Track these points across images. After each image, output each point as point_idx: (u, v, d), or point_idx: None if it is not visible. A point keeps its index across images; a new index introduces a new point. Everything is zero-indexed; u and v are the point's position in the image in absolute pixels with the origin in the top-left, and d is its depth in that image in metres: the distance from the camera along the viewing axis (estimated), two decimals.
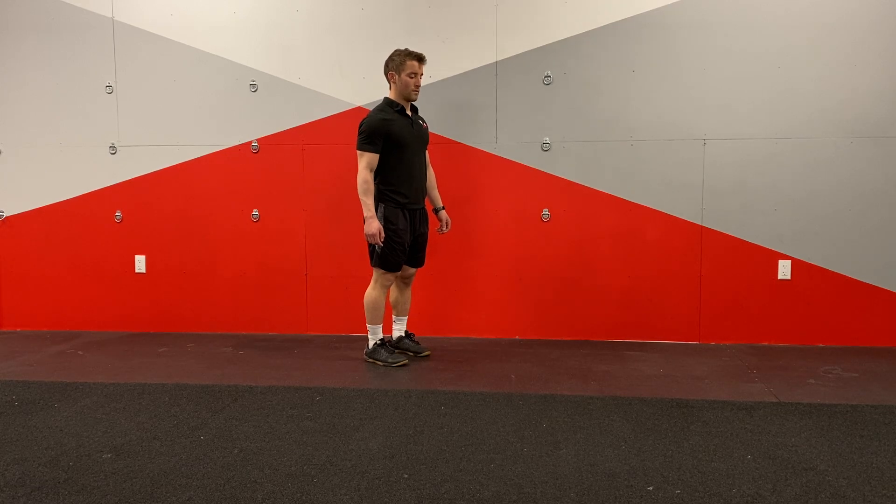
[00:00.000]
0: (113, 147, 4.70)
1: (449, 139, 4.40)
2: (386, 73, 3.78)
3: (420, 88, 3.79)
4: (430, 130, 4.40)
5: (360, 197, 3.65)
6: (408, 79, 3.70)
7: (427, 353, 3.98)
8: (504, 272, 4.43)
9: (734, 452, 2.52)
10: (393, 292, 3.97)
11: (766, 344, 4.25)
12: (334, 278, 4.57)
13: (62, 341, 4.48)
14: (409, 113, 3.78)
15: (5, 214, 4.84)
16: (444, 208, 4.03)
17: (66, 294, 4.81)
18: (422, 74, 3.77)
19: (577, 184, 4.33)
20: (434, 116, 4.34)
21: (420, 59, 3.74)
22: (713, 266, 4.27)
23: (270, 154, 4.57)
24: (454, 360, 3.91)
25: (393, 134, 3.66)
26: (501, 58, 4.33)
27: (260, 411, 3.01)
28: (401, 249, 3.74)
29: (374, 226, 3.63)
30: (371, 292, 3.82)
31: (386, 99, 3.78)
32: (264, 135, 4.56)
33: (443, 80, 4.37)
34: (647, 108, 4.25)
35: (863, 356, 3.95)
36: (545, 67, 4.31)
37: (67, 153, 4.74)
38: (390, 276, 3.81)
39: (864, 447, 2.56)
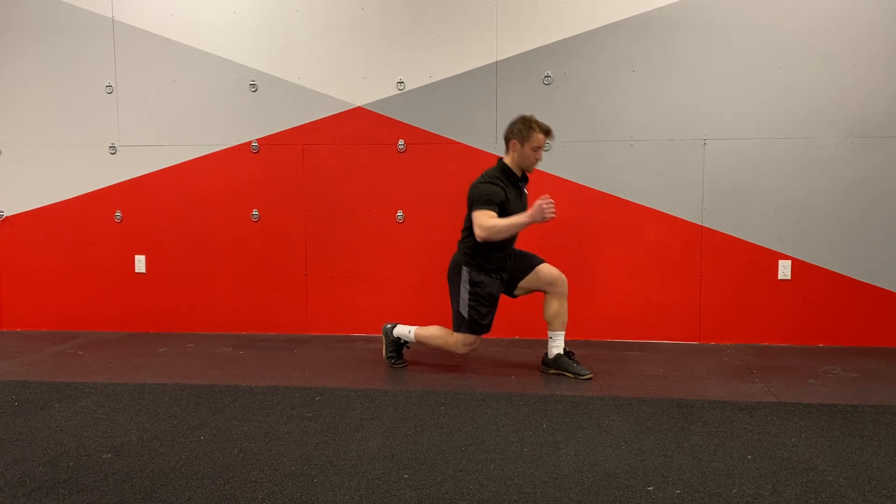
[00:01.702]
0: (113, 147, 4.70)
1: (449, 139, 4.40)
2: (507, 140, 3.51)
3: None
4: (430, 130, 4.43)
5: (503, 227, 3.33)
6: (531, 151, 3.46)
7: (589, 375, 3.54)
8: None
9: (734, 452, 2.52)
10: (551, 305, 3.59)
11: (766, 344, 4.25)
12: (334, 278, 4.57)
13: (62, 341, 4.48)
14: (520, 184, 3.56)
15: (5, 214, 4.84)
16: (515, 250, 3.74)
17: (66, 294, 4.81)
18: (544, 148, 3.52)
19: (577, 184, 4.33)
20: (434, 116, 4.35)
21: (548, 132, 3.48)
22: (713, 266, 4.27)
23: (270, 154, 4.57)
24: (454, 360, 3.91)
25: (505, 206, 3.42)
26: (501, 58, 4.33)
27: (260, 411, 3.01)
28: (488, 311, 3.54)
29: (535, 207, 3.26)
30: (446, 341, 3.61)
31: (502, 165, 3.52)
32: (264, 135, 4.56)
33: (443, 80, 4.37)
34: (647, 108, 4.25)
35: (863, 356, 3.95)
36: (545, 67, 4.31)
37: (67, 153, 4.74)
38: (467, 341, 3.58)
39: (864, 447, 2.56)
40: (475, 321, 3.53)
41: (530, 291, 3.67)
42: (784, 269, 4.21)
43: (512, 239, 3.58)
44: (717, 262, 4.26)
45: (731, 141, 4.21)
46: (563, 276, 3.62)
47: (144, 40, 4.60)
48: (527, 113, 4.29)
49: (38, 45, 4.70)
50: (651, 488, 2.23)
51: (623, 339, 4.37)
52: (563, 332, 3.62)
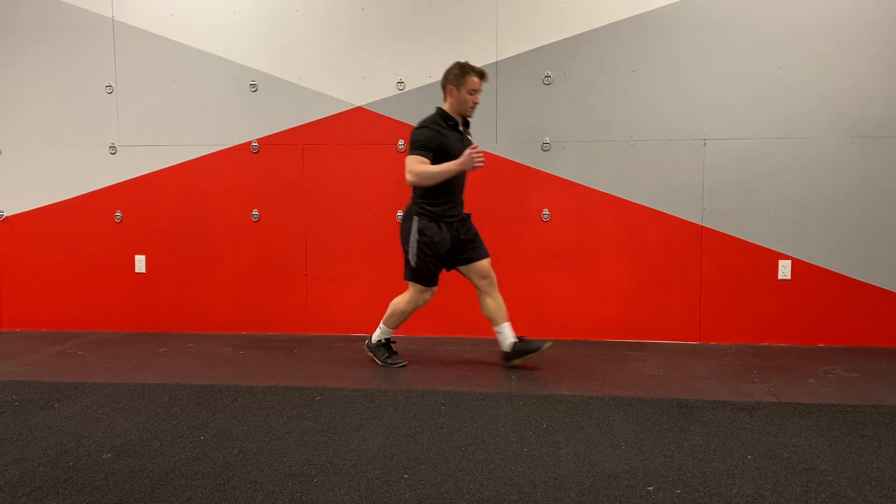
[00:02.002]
0: (113, 147, 4.70)
1: None
2: (443, 86, 3.60)
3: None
4: None
5: (432, 173, 3.43)
6: (467, 95, 3.54)
7: (548, 343, 3.69)
8: (504, 272, 4.42)
9: (734, 452, 2.52)
10: (487, 303, 3.69)
11: (766, 344, 4.25)
12: (334, 278, 4.57)
13: (62, 341, 4.48)
14: (461, 128, 3.64)
15: (5, 214, 4.84)
16: (469, 215, 3.79)
17: (66, 294, 4.81)
18: (481, 91, 3.59)
19: (577, 184, 4.33)
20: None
21: (482, 75, 3.57)
22: (713, 266, 4.27)
23: (270, 154, 4.57)
24: (454, 360, 3.91)
25: (444, 148, 3.51)
26: (501, 58, 4.33)
27: (260, 411, 3.01)
28: (433, 263, 3.61)
29: (464, 156, 3.39)
30: (402, 304, 3.69)
31: (440, 111, 3.61)
32: (264, 135, 4.56)
33: None
34: (647, 108, 4.25)
35: (863, 356, 3.95)
36: (545, 67, 4.31)
37: (67, 153, 4.74)
38: (427, 294, 3.68)
39: (864, 447, 2.56)
40: (422, 271, 3.61)
41: (464, 275, 3.77)
42: (784, 269, 4.21)
43: (459, 190, 3.65)
44: (717, 262, 4.26)
45: (731, 141, 4.21)
46: (494, 274, 3.75)
47: (144, 40, 4.60)
48: (524, 111, 4.32)
49: (38, 45, 4.70)
50: (651, 488, 2.23)
51: (623, 339, 4.37)
52: (508, 322, 3.72)
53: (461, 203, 3.71)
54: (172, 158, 4.65)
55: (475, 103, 3.60)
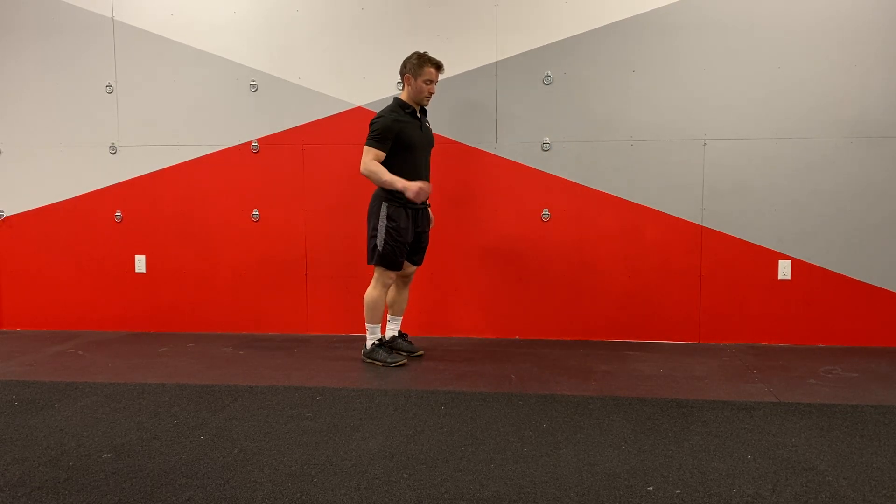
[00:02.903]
0: (113, 147, 4.70)
1: (449, 139, 4.40)
2: (402, 74, 3.76)
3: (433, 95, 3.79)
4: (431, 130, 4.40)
5: (381, 178, 3.61)
6: (423, 85, 3.70)
7: (420, 353, 3.98)
8: (504, 272, 4.43)
9: (734, 452, 2.52)
10: (391, 292, 3.94)
11: (766, 344, 4.25)
12: (334, 278, 4.57)
13: (62, 341, 4.48)
14: (418, 116, 3.79)
15: (5, 214, 4.84)
16: (429, 205, 3.95)
17: (66, 294, 4.81)
18: (436, 82, 3.76)
19: (577, 184, 4.33)
20: (434, 116, 4.34)
21: (438, 66, 3.73)
22: (713, 266, 4.27)
23: (270, 154, 4.57)
24: (454, 360, 3.91)
25: (403, 136, 3.66)
26: (501, 58, 4.33)
27: (260, 411, 3.01)
28: (401, 248, 3.73)
29: (414, 184, 3.58)
30: (371, 291, 3.80)
31: (397, 100, 3.77)
32: (264, 135, 4.56)
33: (443, 80, 4.35)
34: (647, 108, 4.25)
35: (863, 356, 3.95)
36: (545, 67, 4.31)
37: (67, 153, 4.74)
38: (391, 274, 3.79)
39: (864, 447, 2.56)
40: (389, 255, 3.70)
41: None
42: (784, 269, 4.21)
43: (425, 176, 3.77)
44: (717, 262, 4.26)
45: (731, 141, 4.21)
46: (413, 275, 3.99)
47: (144, 40, 4.60)
48: (524, 111, 4.32)
49: (38, 45, 4.70)
50: (651, 488, 2.23)
51: (623, 339, 4.37)
52: (400, 318, 4.02)
53: (426, 203, 3.86)
54: (172, 158, 4.65)
55: (430, 93, 3.75)
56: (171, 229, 4.69)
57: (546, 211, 4.36)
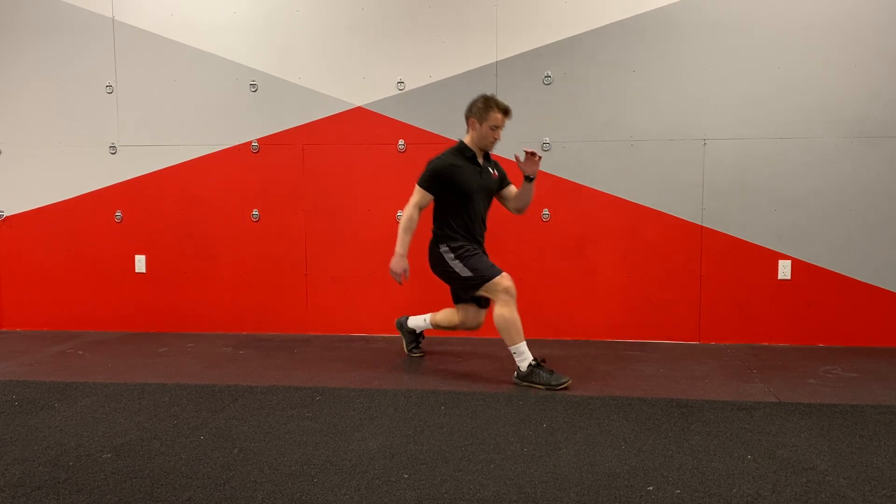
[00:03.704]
0: (113, 147, 4.70)
1: (449, 139, 4.39)
2: (466, 117, 3.55)
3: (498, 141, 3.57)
4: (430, 130, 4.41)
5: (399, 231, 3.48)
6: (489, 130, 3.49)
7: (419, 354, 4.00)
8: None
9: (734, 452, 2.52)
10: (451, 316, 3.75)
11: (766, 344, 4.25)
12: (334, 278, 4.57)
13: (62, 341, 4.48)
14: (480, 161, 3.58)
15: (5, 214, 4.84)
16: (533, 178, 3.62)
17: (66, 294, 4.81)
18: (503, 127, 3.54)
19: (577, 184, 4.33)
20: (434, 116, 4.35)
21: (506, 111, 3.51)
22: (713, 266, 4.27)
23: (270, 154, 4.57)
24: (454, 360, 3.91)
25: (457, 182, 3.48)
26: (501, 58, 4.33)
27: (260, 411, 3.01)
28: (480, 257, 3.50)
29: (401, 264, 3.46)
30: (499, 310, 3.39)
31: (461, 143, 3.58)
32: (264, 135, 4.56)
33: (443, 80, 4.37)
34: (647, 108, 4.25)
35: (863, 356, 3.95)
36: (545, 67, 4.31)
37: (67, 153, 4.74)
38: (503, 280, 3.42)
39: (864, 447, 2.56)
40: (478, 270, 3.46)
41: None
42: (784, 269, 4.21)
43: (479, 226, 3.62)
44: (717, 262, 4.26)
45: (731, 141, 4.21)
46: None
47: (144, 40, 4.60)
48: (524, 111, 4.32)
49: (38, 45, 4.70)
50: (651, 488, 2.23)
51: (623, 339, 4.37)
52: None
53: (482, 237, 3.66)
54: (172, 158, 4.65)
55: (496, 139, 3.54)
56: (171, 229, 4.69)
57: (546, 211, 4.36)
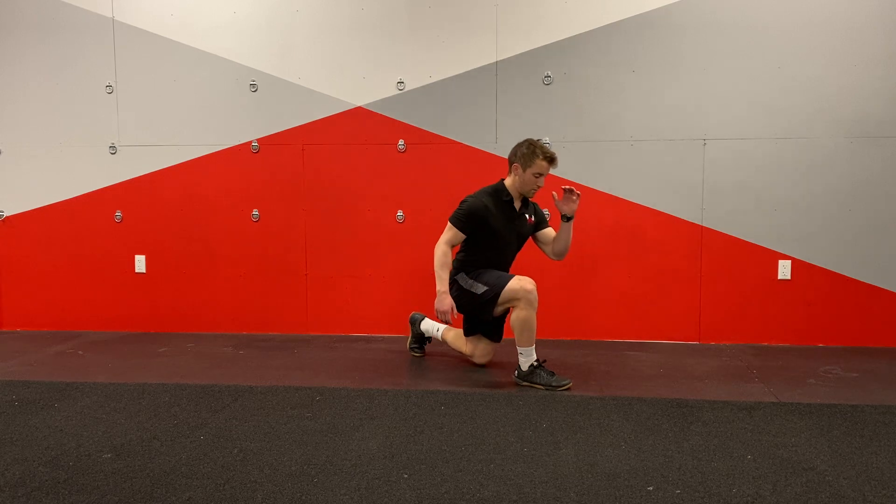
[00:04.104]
0: (113, 147, 4.70)
1: (449, 139, 4.40)
2: (510, 161, 3.48)
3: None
4: (430, 130, 4.40)
5: (436, 269, 3.39)
6: (532, 178, 3.41)
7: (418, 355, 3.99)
8: None
9: (734, 452, 2.52)
10: (460, 341, 3.77)
11: (766, 344, 4.25)
12: (334, 278, 4.57)
13: (62, 341, 4.48)
14: (516, 206, 3.51)
15: (5, 214, 4.84)
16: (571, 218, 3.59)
17: (66, 294, 4.81)
18: (546, 175, 3.45)
19: (578, 184, 4.33)
20: (434, 116, 4.35)
21: (552, 160, 3.41)
22: (713, 266, 4.27)
23: (270, 154, 4.57)
24: (454, 360, 3.91)
25: (488, 226, 3.43)
26: (501, 58, 4.33)
27: (260, 411, 3.01)
28: (490, 273, 3.45)
29: (445, 303, 3.35)
30: (519, 313, 3.35)
31: (500, 184, 3.51)
32: (264, 135, 4.56)
33: (443, 80, 4.37)
34: (647, 108, 4.25)
35: (863, 356, 3.95)
36: (545, 67, 4.31)
37: (67, 153, 4.74)
38: (517, 285, 3.35)
39: (864, 447, 2.56)
40: (492, 280, 3.41)
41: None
42: (784, 269, 4.21)
43: (507, 264, 3.60)
44: (717, 262, 4.26)
45: (731, 141, 4.21)
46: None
47: (144, 40, 4.60)
48: (524, 111, 4.32)
49: (38, 45, 4.70)
50: (651, 488, 2.23)
51: (623, 339, 4.37)
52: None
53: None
54: (172, 158, 4.65)
55: (539, 187, 3.46)
56: (171, 229, 4.69)
57: (546, 211, 4.36)
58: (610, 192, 4.31)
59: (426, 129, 4.41)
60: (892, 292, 4.15)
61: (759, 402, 3.08)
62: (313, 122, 4.51)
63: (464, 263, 3.54)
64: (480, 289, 3.44)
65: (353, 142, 4.48)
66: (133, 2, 4.60)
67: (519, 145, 3.47)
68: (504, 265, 3.59)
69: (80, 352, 4.20)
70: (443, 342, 3.89)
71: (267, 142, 4.56)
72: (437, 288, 3.39)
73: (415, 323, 4.01)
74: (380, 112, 4.44)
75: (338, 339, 4.46)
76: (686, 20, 4.18)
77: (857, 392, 3.26)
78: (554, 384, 3.30)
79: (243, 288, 4.65)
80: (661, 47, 4.21)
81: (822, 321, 4.21)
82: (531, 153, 3.39)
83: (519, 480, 2.30)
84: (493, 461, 2.46)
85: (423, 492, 2.22)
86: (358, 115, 4.45)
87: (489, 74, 4.34)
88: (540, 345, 4.21)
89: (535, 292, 3.36)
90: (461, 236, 3.45)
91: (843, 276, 4.18)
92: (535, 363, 3.37)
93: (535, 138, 4.26)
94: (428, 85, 4.38)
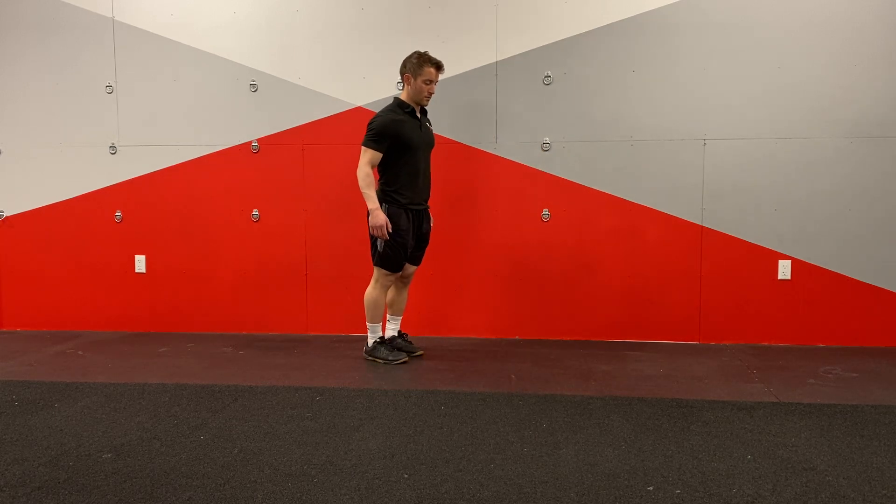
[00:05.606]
0: (113, 147, 4.70)
1: (449, 139, 4.40)
2: (402, 74, 3.76)
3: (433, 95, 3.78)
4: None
5: (363, 190, 3.62)
6: (423, 85, 3.69)
7: (420, 353, 3.98)
8: (504, 272, 4.43)
9: (734, 452, 2.52)
10: (390, 292, 3.95)
11: (766, 344, 4.25)
12: (334, 278, 4.57)
13: (62, 341, 4.48)
14: (418, 115, 3.78)
15: (5, 214, 4.84)
16: (428, 207, 3.92)
17: (66, 294, 4.81)
18: (436, 82, 3.75)
19: (577, 184, 4.33)
20: (434, 116, 4.34)
21: (438, 66, 3.72)
22: (713, 266, 4.27)
23: (270, 154, 4.57)
24: (454, 360, 3.91)
25: (402, 136, 3.66)
26: (501, 58, 4.33)
27: (260, 411, 3.01)
28: (402, 250, 3.74)
29: (380, 217, 3.61)
30: (371, 291, 3.83)
31: (396, 99, 3.77)
32: (264, 135, 4.56)
33: (443, 80, 4.35)
34: (647, 108, 4.25)
35: (863, 356, 3.95)
36: (545, 67, 4.31)
37: (67, 153, 4.74)
38: (392, 275, 3.81)
39: (864, 447, 2.56)
40: (389, 256, 3.72)
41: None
42: (784, 269, 4.21)
43: (424, 180, 3.81)
44: (717, 262, 4.26)
45: (731, 141, 4.21)
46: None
47: (144, 40, 4.60)
48: (524, 111, 4.32)
49: (38, 45, 4.70)
50: (651, 488, 2.23)
51: (623, 339, 4.37)
52: (399, 318, 4.03)
53: (426, 193, 3.87)
54: (172, 158, 4.65)
55: (430, 93, 3.74)
56: (171, 229, 4.69)
57: (546, 211, 4.36)
58: (610, 192, 4.31)
59: None
60: (892, 292, 4.15)
61: (759, 402, 3.08)
62: (313, 122, 4.51)
63: (389, 190, 3.72)
64: (380, 246, 3.71)
65: (353, 142, 4.47)
66: (133, 2, 4.60)
67: (408, 58, 3.74)
68: (423, 177, 3.80)
69: (80, 352, 4.20)
70: (371, 321, 3.85)
71: (267, 142, 4.56)
72: (368, 206, 3.62)
73: (368, 352, 3.88)
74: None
75: (338, 339, 4.46)
76: (686, 20, 4.18)
77: (857, 392, 3.26)
78: (391, 359, 3.77)
79: (243, 288, 4.65)
80: (661, 47, 4.21)
81: (822, 321, 4.21)
82: (419, 62, 3.68)
83: (519, 480, 2.30)
84: (493, 461, 2.46)
85: (423, 492, 2.22)
86: (358, 115, 4.44)
87: (489, 74, 4.34)
88: (541, 344, 4.23)
89: (400, 281, 3.87)
90: (378, 155, 3.65)
91: (843, 276, 4.18)
92: (378, 339, 3.82)
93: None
94: None
